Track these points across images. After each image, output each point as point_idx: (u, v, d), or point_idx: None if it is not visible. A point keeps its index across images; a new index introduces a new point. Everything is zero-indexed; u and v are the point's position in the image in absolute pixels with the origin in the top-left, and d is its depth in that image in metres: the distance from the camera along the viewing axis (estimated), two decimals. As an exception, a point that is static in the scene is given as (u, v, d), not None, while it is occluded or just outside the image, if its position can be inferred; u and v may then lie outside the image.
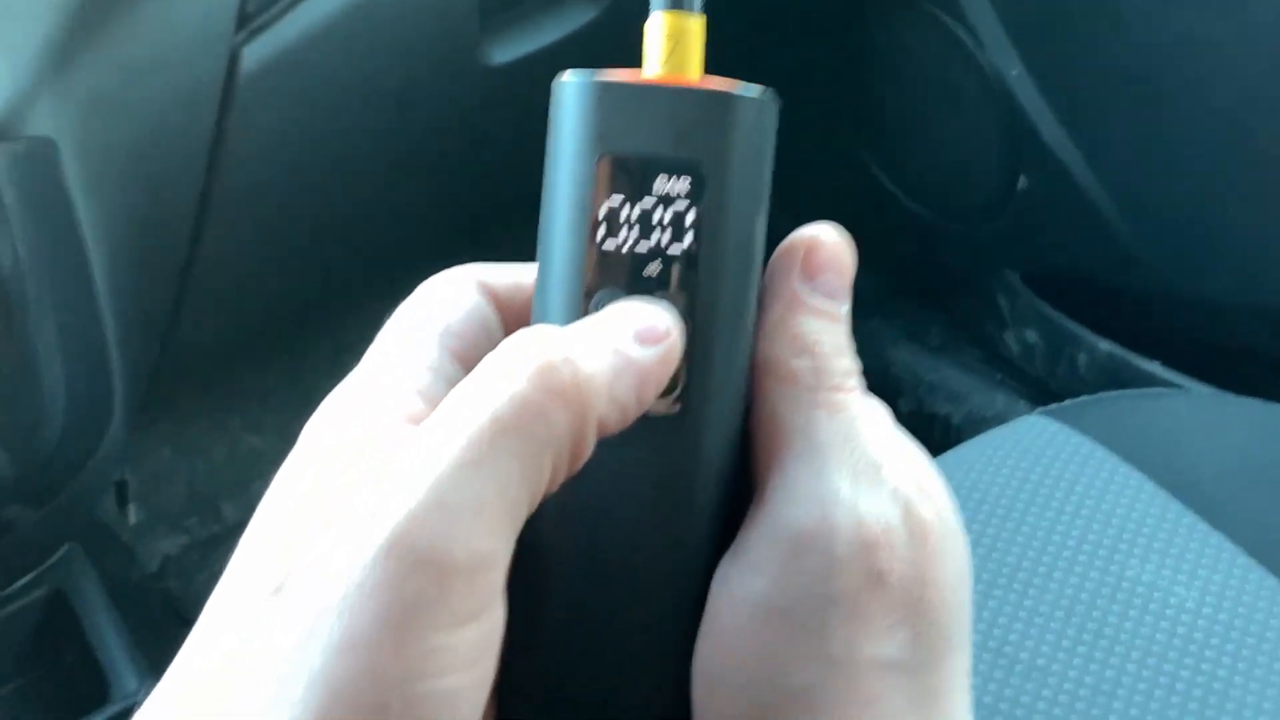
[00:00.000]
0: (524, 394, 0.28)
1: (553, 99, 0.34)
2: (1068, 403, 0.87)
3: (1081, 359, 1.26)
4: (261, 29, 0.88)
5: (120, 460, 1.09)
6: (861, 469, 0.32)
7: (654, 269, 0.32)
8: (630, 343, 0.31)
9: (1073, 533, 0.77)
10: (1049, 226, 1.24)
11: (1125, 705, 0.68)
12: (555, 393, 0.29)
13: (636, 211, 0.32)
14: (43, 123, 0.75)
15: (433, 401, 0.31)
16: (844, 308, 0.34)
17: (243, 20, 0.87)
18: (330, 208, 1.08)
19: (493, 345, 0.30)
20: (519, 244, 0.38)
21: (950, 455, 0.83)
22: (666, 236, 0.32)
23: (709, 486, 0.33)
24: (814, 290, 0.34)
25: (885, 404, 0.35)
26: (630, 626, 0.33)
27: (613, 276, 0.32)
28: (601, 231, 0.32)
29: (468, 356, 0.33)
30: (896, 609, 0.31)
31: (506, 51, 1.05)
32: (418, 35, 0.99)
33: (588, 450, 0.30)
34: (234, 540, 0.31)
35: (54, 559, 1.04)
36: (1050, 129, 1.16)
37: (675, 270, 0.32)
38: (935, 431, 1.34)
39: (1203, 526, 0.77)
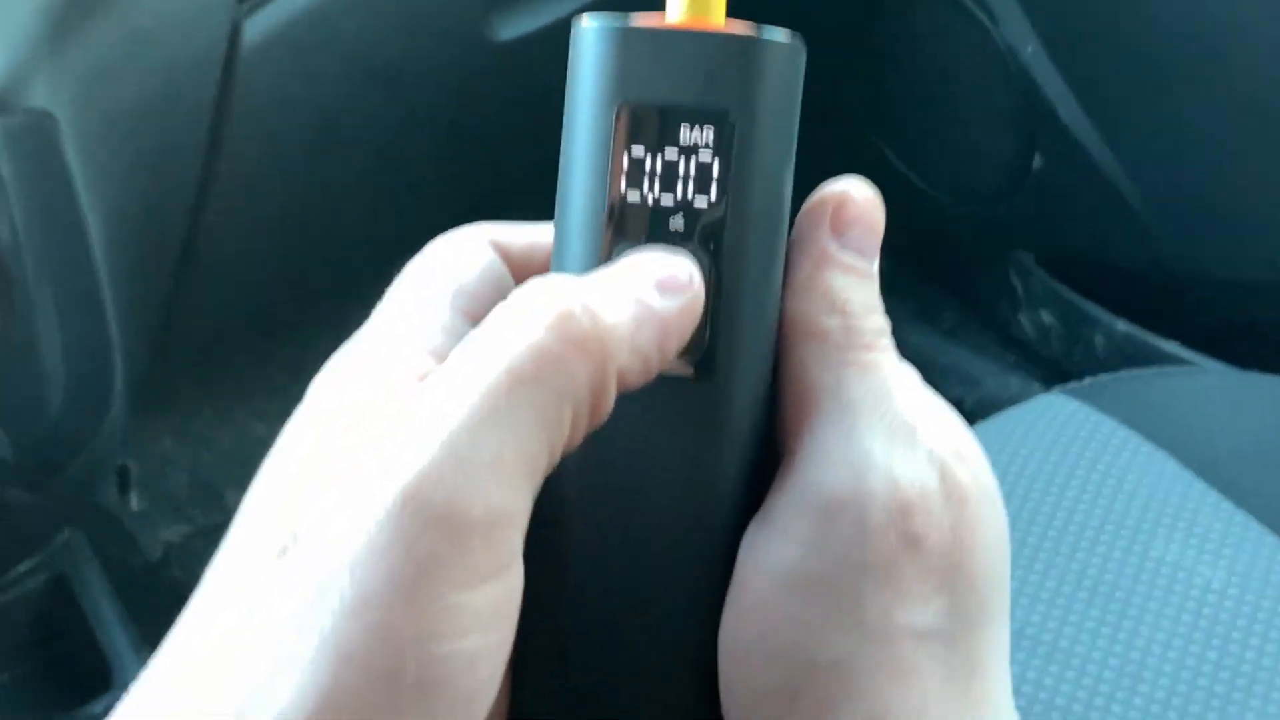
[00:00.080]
0: (542, 343, 0.27)
1: (571, 44, 0.32)
2: (1086, 381, 0.86)
3: (1098, 340, 1.24)
4: (264, 1, 0.86)
5: (122, 444, 1.08)
6: (896, 430, 0.31)
7: (677, 223, 0.31)
8: (651, 292, 0.29)
9: (1094, 512, 0.75)
10: (1065, 206, 1.23)
11: (1151, 688, 0.67)
12: (574, 342, 0.27)
13: (659, 162, 0.31)
14: (41, 95, 0.74)
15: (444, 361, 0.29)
16: (874, 265, 0.33)
17: (244, -9, 0.86)
18: (335, 185, 1.07)
19: None
20: (527, 221, 0.36)
21: (968, 434, 0.81)
22: (691, 189, 0.31)
23: (735, 450, 0.32)
24: (844, 246, 0.33)
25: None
26: (654, 597, 0.32)
27: (634, 231, 0.31)
28: (622, 184, 0.31)
29: (480, 317, 0.31)
30: (933, 576, 0.30)
31: (513, 27, 1.04)
32: (423, 10, 0.98)
33: (608, 404, 0.28)
34: (238, 529, 0.29)
35: (55, 544, 1.03)
36: (1066, 107, 1.15)
37: (700, 224, 0.31)
38: (948, 415, 1.33)
39: (1227, 505, 0.76)
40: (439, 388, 0.27)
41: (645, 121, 0.31)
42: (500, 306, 0.28)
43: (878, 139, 1.35)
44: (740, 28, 0.32)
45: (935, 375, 1.34)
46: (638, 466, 0.31)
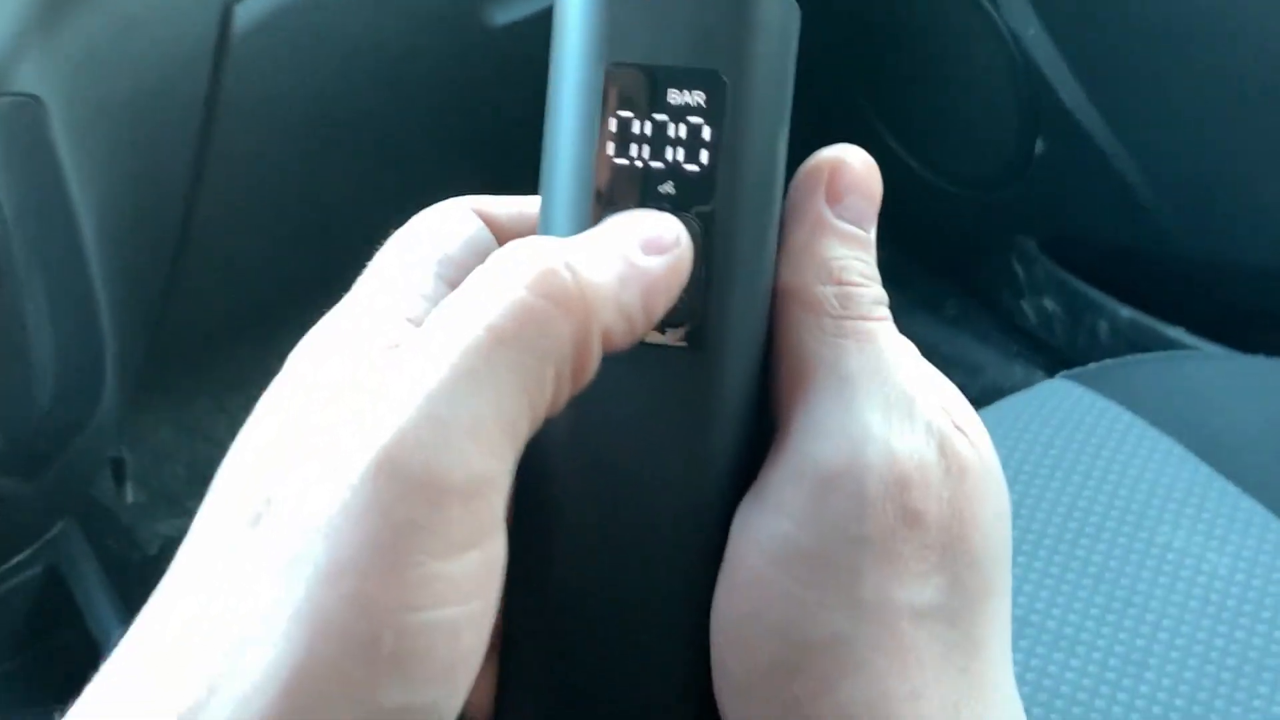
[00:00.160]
0: (523, 301, 0.26)
1: (556, 2, 0.31)
2: (1091, 366, 0.86)
3: (1102, 326, 1.24)
4: (254, -13, 0.86)
5: (115, 435, 1.08)
6: (894, 402, 0.30)
7: (668, 188, 0.30)
8: (637, 250, 0.29)
9: (1099, 498, 0.75)
10: (1068, 191, 1.23)
11: (1157, 675, 0.66)
12: (556, 300, 0.26)
13: (648, 125, 0.30)
14: (28, 80, 0.74)
15: None
16: (872, 233, 0.32)
17: (234, -23, 0.85)
18: (329, 171, 1.06)
19: None
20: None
21: (971, 420, 0.80)
22: (681, 153, 0.30)
23: (728, 422, 0.31)
24: (840, 214, 0.32)
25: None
26: (645, 574, 0.31)
27: (622, 196, 0.30)
28: (610, 148, 0.30)
29: None
30: (932, 551, 0.29)
31: (508, 11, 1.03)
32: (417, -5, 0.97)
33: (592, 365, 0.28)
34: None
35: (49, 536, 1.02)
36: (1069, 90, 1.14)
37: (691, 190, 0.30)
38: (951, 403, 1.32)
39: (1233, 490, 0.75)
40: (415, 350, 0.26)
41: (634, 83, 0.30)
42: (480, 268, 0.27)
43: (878, 124, 1.34)
44: None
45: (938, 364, 1.32)
46: (628, 440, 0.31)
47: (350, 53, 0.96)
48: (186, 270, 0.99)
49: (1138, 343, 1.21)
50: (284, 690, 0.24)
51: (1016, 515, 0.74)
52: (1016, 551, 0.72)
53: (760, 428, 0.31)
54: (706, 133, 0.30)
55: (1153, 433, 0.78)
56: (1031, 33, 1.13)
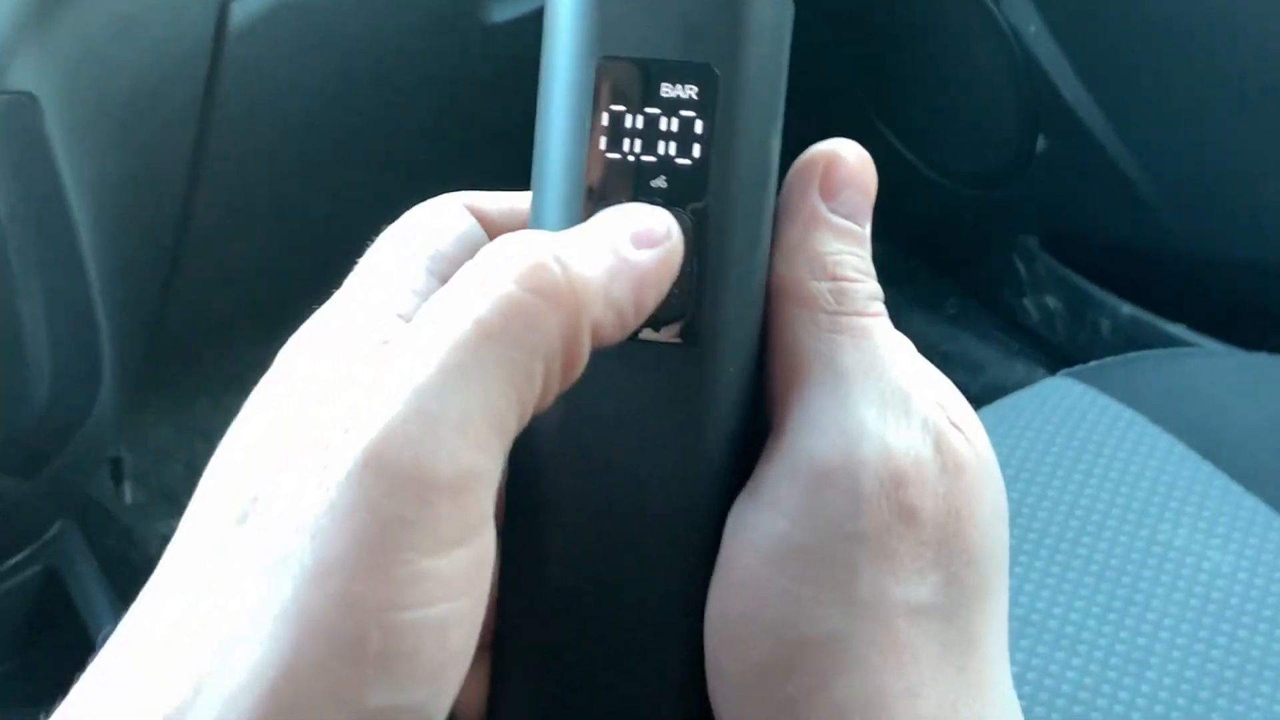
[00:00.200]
0: (511, 295, 0.26)
1: None
2: (1092, 364, 0.85)
3: (1104, 323, 1.24)
4: (251, -17, 0.85)
5: (113, 434, 1.07)
6: (889, 398, 0.30)
7: (660, 183, 0.30)
8: (627, 244, 0.28)
9: (1101, 496, 0.74)
10: (1069, 189, 1.23)
11: (1158, 674, 0.66)
12: (545, 293, 0.26)
13: (640, 120, 0.30)
14: (23, 77, 0.73)
15: None
16: (867, 228, 0.32)
17: (229, -26, 0.84)
18: (327, 169, 1.06)
19: None
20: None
21: (971, 418, 0.80)
22: (674, 147, 0.30)
23: (722, 419, 0.31)
24: (835, 209, 0.31)
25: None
26: (638, 573, 0.31)
27: (614, 191, 0.30)
28: (602, 142, 0.30)
29: None
30: (928, 548, 0.29)
31: (507, 9, 1.02)
32: (414, -9, 0.97)
33: (583, 359, 0.27)
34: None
35: (47, 536, 1.02)
36: (1070, 87, 1.14)
37: (683, 184, 0.30)
38: (952, 402, 1.32)
39: (1236, 489, 0.75)
40: (403, 345, 0.26)
41: (625, 77, 0.30)
42: (469, 263, 0.27)
43: (879, 122, 1.34)
44: None
45: (939, 362, 1.31)
46: (622, 437, 0.30)
47: (348, 50, 0.96)
48: (185, 269, 0.99)
49: (1139, 340, 1.21)
50: (270, 690, 0.24)
51: (1017, 514, 0.73)
52: (1017, 550, 0.72)
53: (755, 425, 0.31)
54: (699, 127, 0.30)
55: (1154, 430, 0.78)
56: (1033, 30, 1.13)
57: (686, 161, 0.30)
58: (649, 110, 0.30)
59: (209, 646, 0.25)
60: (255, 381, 0.29)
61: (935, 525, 0.29)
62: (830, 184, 0.32)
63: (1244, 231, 1.14)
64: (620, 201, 0.30)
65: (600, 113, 0.30)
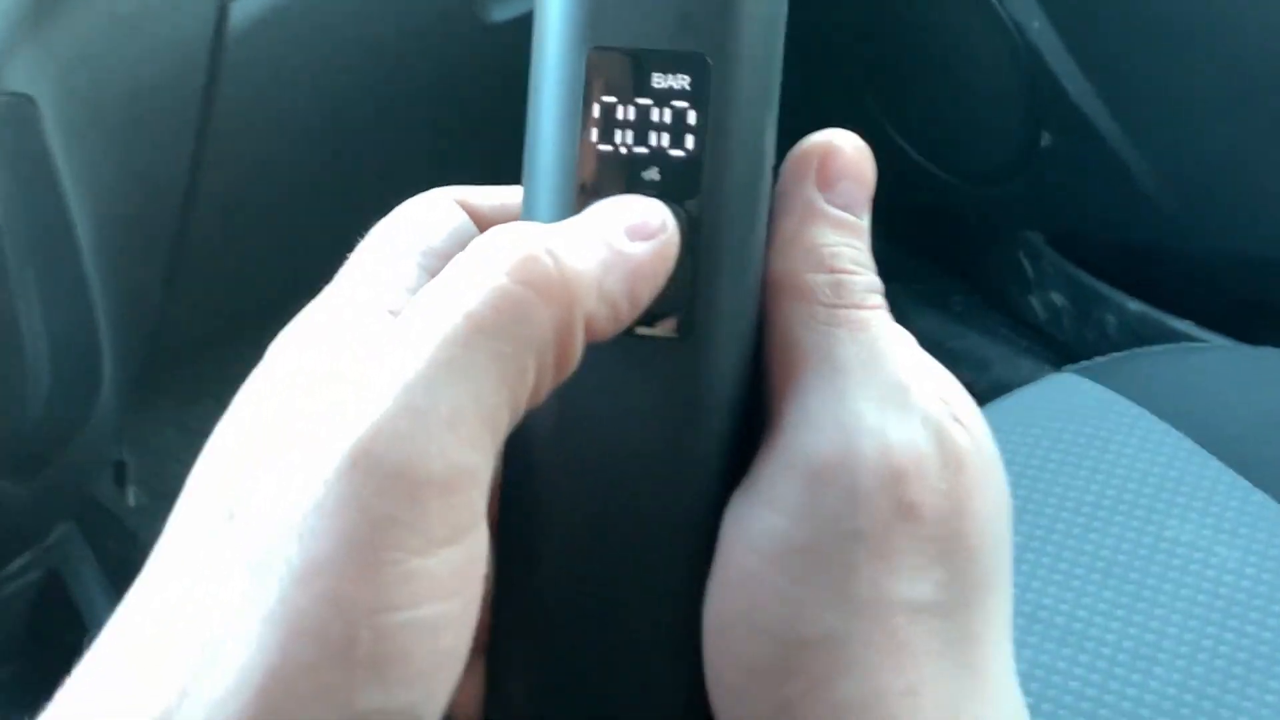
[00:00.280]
0: (502, 288, 0.25)
1: None
2: (1098, 359, 0.85)
3: (1110, 320, 1.23)
4: (250, -16, 0.85)
5: (115, 437, 1.07)
6: (888, 392, 0.29)
7: (653, 174, 0.30)
8: (620, 236, 0.28)
9: (1108, 492, 0.74)
10: (1074, 184, 1.22)
11: (1167, 670, 0.66)
12: (537, 286, 0.26)
13: (632, 111, 0.29)
14: (20, 78, 0.73)
15: None
16: (865, 220, 0.32)
17: (228, -25, 0.84)
18: (328, 169, 1.05)
19: None
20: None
21: (977, 415, 0.80)
22: (666, 139, 0.30)
23: (718, 415, 0.30)
24: (831, 200, 0.31)
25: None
26: (634, 573, 0.30)
27: (606, 183, 0.30)
28: (593, 134, 0.30)
29: None
30: (929, 545, 0.28)
31: (506, 8, 1.02)
32: (414, -8, 0.97)
33: (576, 353, 0.27)
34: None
35: (49, 540, 1.02)
36: (1074, 83, 1.13)
37: (677, 176, 0.29)
38: (958, 399, 1.32)
39: (1243, 484, 0.75)
40: (392, 339, 0.26)
41: (617, 67, 0.29)
42: (459, 255, 0.27)
43: (882, 119, 1.33)
44: None
45: (944, 360, 1.31)
46: (617, 434, 0.30)
47: (348, 51, 0.96)
48: (185, 270, 0.99)
49: (1146, 336, 1.20)
50: (258, 694, 0.24)
51: (1024, 510, 0.73)
52: (1024, 547, 0.71)
53: (752, 420, 0.31)
54: (692, 117, 0.29)
55: (1161, 426, 0.78)
56: (1036, 25, 1.13)
57: (680, 153, 0.29)
58: (641, 101, 0.29)
59: (195, 648, 0.24)
60: (259, 384, 0.29)
61: (936, 522, 0.28)
62: (827, 175, 0.31)
63: (1250, 226, 1.14)
64: (613, 194, 0.29)
65: (591, 104, 0.30)
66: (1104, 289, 1.24)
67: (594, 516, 0.30)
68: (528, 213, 0.31)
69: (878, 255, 0.32)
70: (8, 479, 0.89)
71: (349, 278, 0.30)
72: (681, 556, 0.30)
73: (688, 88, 0.29)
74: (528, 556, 0.30)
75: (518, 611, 0.30)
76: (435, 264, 0.30)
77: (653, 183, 0.29)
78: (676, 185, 0.29)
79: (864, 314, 0.30)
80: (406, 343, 0.25)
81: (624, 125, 0.29)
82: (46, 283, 0.81)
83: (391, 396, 0.24)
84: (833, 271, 0.30)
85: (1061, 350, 1.31)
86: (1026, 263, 1.30)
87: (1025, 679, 0.66)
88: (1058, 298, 1.29)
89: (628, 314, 0.28)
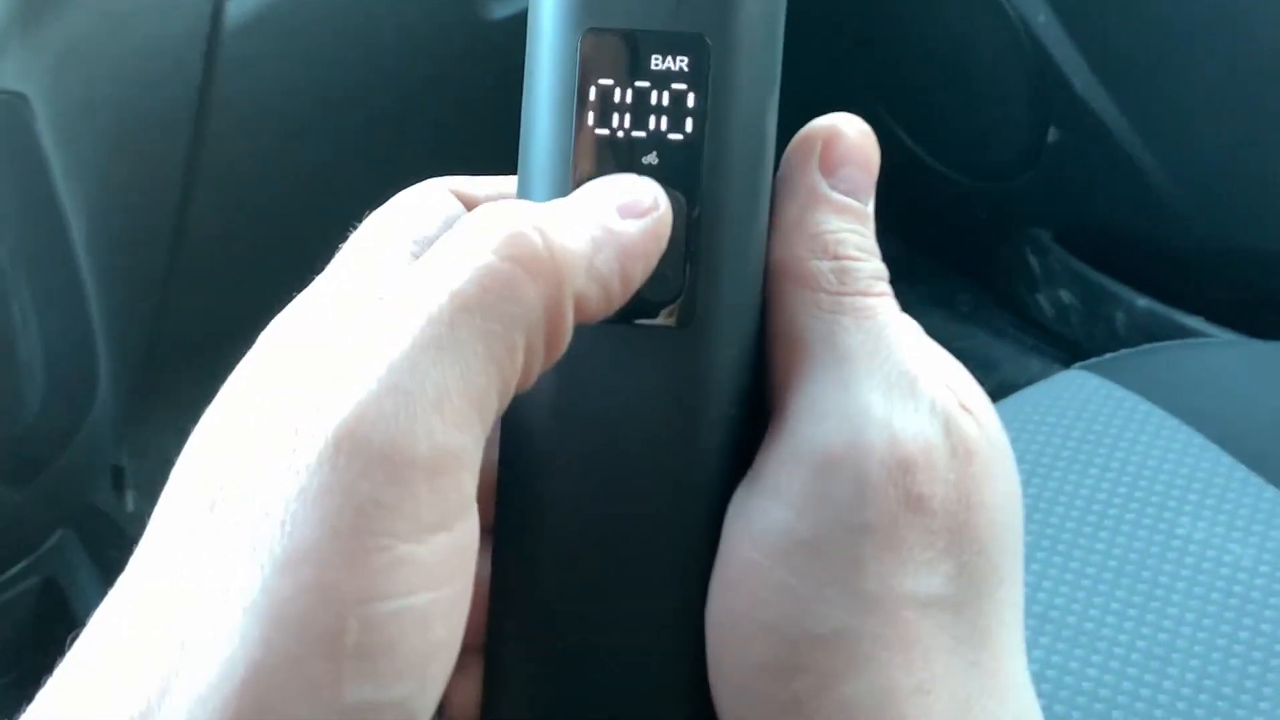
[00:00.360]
0: (489, 265, 0.25)
1: None
2: (1108, 356, 0.84)
3: (1119, 317, 1.22)
4: (247, -20, 0.84)
5: (113, 441, 1.06)
6: (895, 381, 0.28)
7: (651, 159, 0.29)
8: (611, 214, 0.27)
9: (1119, 490, 0.73)
10: (1082, 180, 1.22)
11: (1180, 670, 0.65)
12: (524, 263, 0.25)
13: (630, 94, 0.29)
14: (13, 77, 0.73)
15: None
16: (869, 205, 0.31)
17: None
18: (326, 168, 1.05)
19: None
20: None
21: (986, 412, 0.79)
22: (665, 122, 0.29)
23: (721, 405, 0.30)
24: (835, 185, 0.30)
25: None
26: (635, 568, 0.30)
27: (603, 169, 0.29)
28: (590, 118, 0.29)
29: None
30: (938, 538, 0.28)
31: (505, 5, 1.02)
32: (413, -12, 0.96)
33: (566, 333, 0.26)
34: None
35: (46, 547, 1.01)
36: (1082, 77, 1.13)
37: (676, 161, 0.29)
38: (967, 399, 1.31)
39: (1256, 480, 0.74)
40: (377, 318, 0.25)
41: (613, 49, 0.29)
42: (447, 233, 0.26)
43: (887, 116, 1.33)
44: None
45: (952, 359, 1.32)
46: (618, 425, 0.29)
47: (345, 48, 0.96)
48: (182, 270, 0.98)
49: (1155, 333, 1.20)
50: (241, 688, 0.23)
51: (1034, 508, 0.72)
52: (1035, 546, 0.70)
53: (755, 411, 0.30)
54: (691, 100, 0.29)
55: (1172, 422, 0.77)
56: (1041, 20, 1.12)
57: (679, 136, 0.29)
58: (638, 84, 0.29)
59: (176, 644, 0.23)
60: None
61: (945, 513, 0.28)
62: (830, 160, 0.31)
63: (1259, 220, 1.13)
64: None
65: (587, 87, 0.29)
66: (1112, 285, 1.24)
67: (595, 512, 0.29)
68: (523, 197, 0.30)
69: (884, 253, 0.31)
70: (3, 484, 0.88)
71: (341, 266, 0.30)
72: (684, 552, 0.29)
73: (686, 69, 0.29)
74: (524, 552, 0.30)
75: (515, 609, 0.30)
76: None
77: (651, 167, 0.29)
78: (676, 170, 0.29)
79: (869, 301, 0.29)
80: (391, 322, 0.24)
81: (621, 108, 0.29)
82: (40, 283, 0.80)
83: (375, 377, 0.24)
84: (837, 258, 0.30)
85: (1070, 348, 1.30)
86: (1033, 260, 1.30)
87: (1037, 679, 0.65)
88: (1066, 295, 1.28)
89: (619, 294, 0.27)
